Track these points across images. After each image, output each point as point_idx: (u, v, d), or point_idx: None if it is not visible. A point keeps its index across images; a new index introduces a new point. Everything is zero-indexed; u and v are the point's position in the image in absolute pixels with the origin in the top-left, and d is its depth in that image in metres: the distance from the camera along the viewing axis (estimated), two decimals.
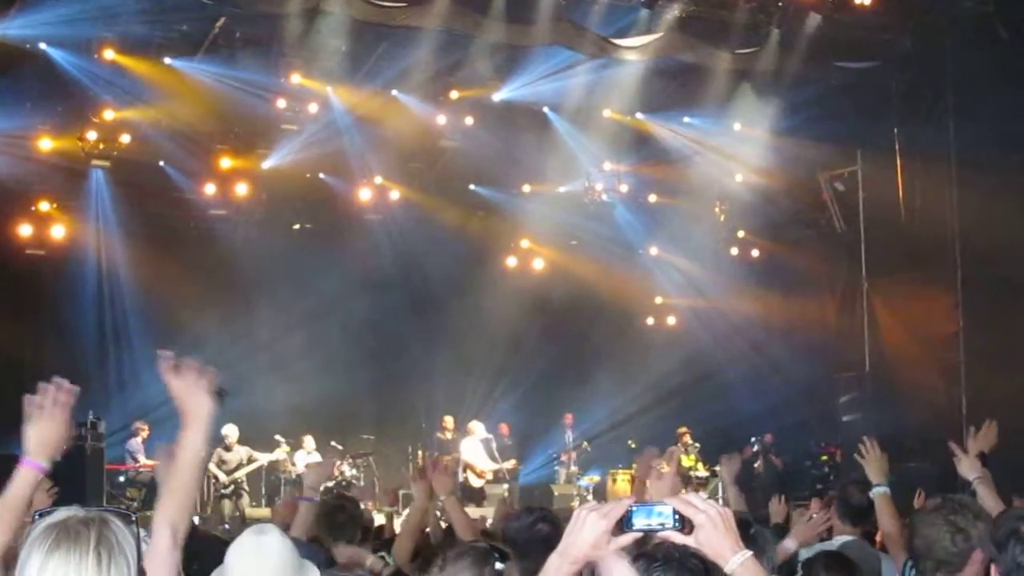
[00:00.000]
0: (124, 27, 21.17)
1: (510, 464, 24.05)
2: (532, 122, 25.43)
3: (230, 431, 22.20)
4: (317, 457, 23.06)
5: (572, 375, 27.90)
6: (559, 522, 5.98)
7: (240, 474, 22.48)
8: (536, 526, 6.08)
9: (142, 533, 3.80)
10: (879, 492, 7.82)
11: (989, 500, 7.40)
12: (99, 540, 3.56)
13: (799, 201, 27.86)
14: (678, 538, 3.22)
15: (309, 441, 23.30)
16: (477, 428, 23.95)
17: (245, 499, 22.71)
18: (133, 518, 3.74)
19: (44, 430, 4.77)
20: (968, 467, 7.75)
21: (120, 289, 24.13)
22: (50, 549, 3.54)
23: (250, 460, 22.70)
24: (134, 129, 22.99)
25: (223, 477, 22.26)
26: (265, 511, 21.55)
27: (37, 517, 3.67)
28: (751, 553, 3.24)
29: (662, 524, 3.23)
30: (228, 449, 22.30)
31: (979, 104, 22.99)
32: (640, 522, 3.24)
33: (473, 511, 20.80)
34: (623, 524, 3.25)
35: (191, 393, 4.72)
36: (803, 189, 27.66)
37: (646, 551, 3.27)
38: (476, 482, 23.58)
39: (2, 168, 22.19)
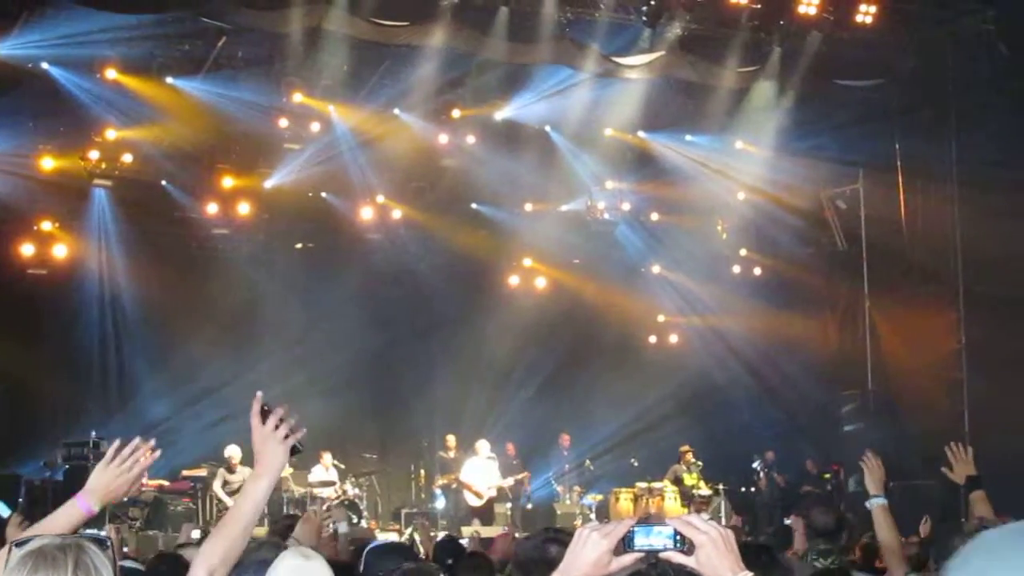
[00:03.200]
0: (126, 47, 21.26)
1: (509, 482, 23.96)
2: (534, 141, 25.47)
3: (233, 452, 22.15)
4: (335, 473, 23.05)
5: (574, 393, 27.84)
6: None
7: (232, 500, 22.42)
8: (545, 547, 6.08)
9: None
10: (877, 503, 7.76)
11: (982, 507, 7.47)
12: (76, 564, 3.58)
13: (801, 219, 27.84)
14: (679, 558, 3.22)
15: (327, 457, 23.24)
16: (482, 447, 23.91)
17: None
18: (108, 544, 3.75)
19: (114, 478, 4.74)
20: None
21: (122, 308, 24.13)
22: (28, 574, 3.55)
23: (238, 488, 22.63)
24: (136, 148, 23.07)
25: (228, 500, 22.22)
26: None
27: (14, 547, 3.68)
28: (751, 574, 3.24)
29: (663, 544, 3.23)
30: (231, 471, 22.23)
31: (980, 121, 23.03)
32: (641, 542, 3.24)
33: (477, 530, 20.86)
34: (625, 544, 3.25)
35: (270, 442, 4.60)
36: (805, 207, 27.64)
37: (642, 568, 3.27)
38: (474, 501, 23.54)
39: (4, 187, 22.23)
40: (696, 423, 26.88)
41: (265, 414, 4.60)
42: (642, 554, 3.26)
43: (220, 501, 22.08)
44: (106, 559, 3.67)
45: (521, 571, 5.92)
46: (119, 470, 4.75)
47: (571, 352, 28.33)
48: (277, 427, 4.59)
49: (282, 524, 10.23)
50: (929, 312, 25.04)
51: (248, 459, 22.30)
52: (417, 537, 19.56)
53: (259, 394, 4.63)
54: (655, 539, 3.24)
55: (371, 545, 7.96)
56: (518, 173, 26.12)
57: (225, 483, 22.13)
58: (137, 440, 4.82)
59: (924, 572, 8.14)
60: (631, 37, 22.52)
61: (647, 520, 3.32)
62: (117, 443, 4.79)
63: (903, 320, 25.80)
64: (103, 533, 3.94)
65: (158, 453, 4.91)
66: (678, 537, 3.22)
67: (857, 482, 25.14)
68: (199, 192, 24.47)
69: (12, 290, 22.84)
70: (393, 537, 20.44)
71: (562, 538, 5.89)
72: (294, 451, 4.63)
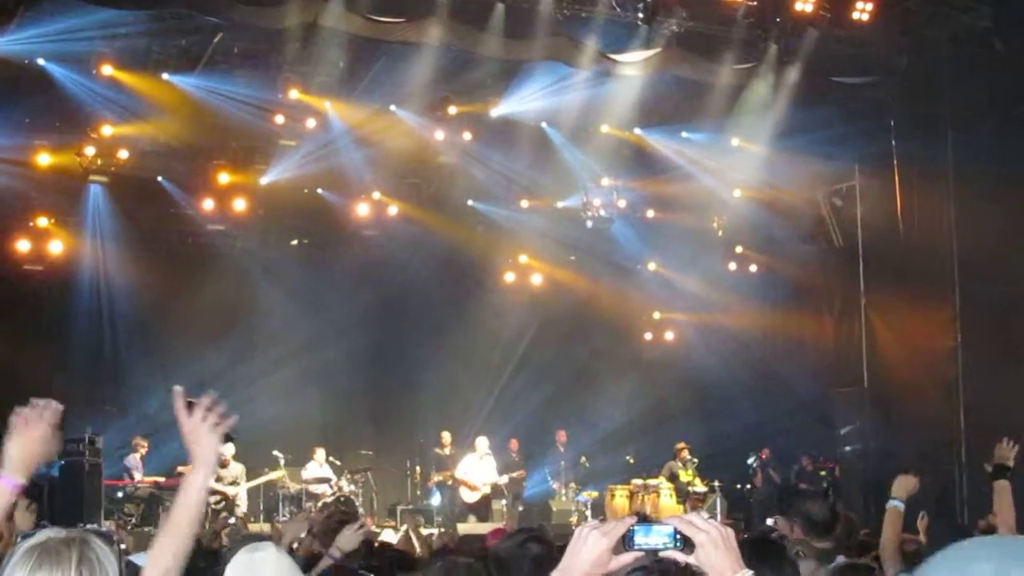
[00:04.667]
0: (122, 43, 21.21)
1: (504, 479, 23.97)
2: (530, 138, 25.43)
3: (226, 447, 22.12)
4: (328, 470, 23.06)
5: (570, 390, 27.89)
6: (551, 541, 5.96)
7: (232, 490, 22.35)
8: (525, 545, 6.05)
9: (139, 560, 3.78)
10: (893, 505, 8.14)
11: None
12: (80, 559, 3.57)
13: (797, 216, 27.83)
14: (679, 558, 3.22)
15: (320, 453, 23.26)
16: (480, 444, 23.94)
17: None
18: (113, 538, 3.76)
19: (25, 446, 4.68)
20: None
21: (118, 305, 24.14)
22: (32, 569, 3.55)
23: (234, 483, 22.54)
24: (132, 144, 23.04)
25: (231, 491, 22.20)
26: (266, 526, 21.49)
27: (20, 539, 3.68)
28: (752, 573, 3.24)
29: (663, 543, 3.23)
30: (223, 465, 22.22)
31: (977, 119, 23.02)
32: (641, 541, 3.24)
33: (473, 526, 20.91)
34: (624, 543, 3.25)
35: (200, 434, 4.60)
36: (801, 204, 27.63)
37: (643, 565, 3.27)
38: (469, 498, 23.55)
39: (0, 184, 22.20)
40: (691, 420, 26.93)
41: (190, 407, 4.60)
42: (642, 553, 3.26)
43: (215, 493, 22.02)
44: (110, 553, 3.66)
45: (501, 570, 5.90)
46: (31, 437, 4.70)
47: (567, 349, 28.37)
48: (204, 418, 4.59)
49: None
50: (925, 310, 25.02)
51: (241, 456, 22.36)
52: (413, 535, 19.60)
53: (178, 389, 4.62)
54: (655, 538, 3.24)
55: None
56: (514, 170, 26.15)
57: (218, 479, 22.08)
58: (38, 403, 4.77)
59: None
60: (628, 34, 22.48)
61: (647, 519, 3.32)
62: (17, 412, 4.72)
63: (899, 318, 25.79)
64: (106, 528, 3.94)
65: (62, 408, 4.81)
66: (678, 536, 3.22)
67: (853, 483, 25.24)
68: (195, 188, 24.48)
69: (7, 286, 22.88)
70: (390, 534, 20.48)
71: (542, 536, 5.89)
72: (227, 439, 4.64)
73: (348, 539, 8.57)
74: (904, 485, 8.16)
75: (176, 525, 4.50)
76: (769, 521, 16.64)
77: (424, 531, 19.44)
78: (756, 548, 4.55)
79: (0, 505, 4.59)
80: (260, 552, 5.59)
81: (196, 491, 4.60)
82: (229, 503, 22.09)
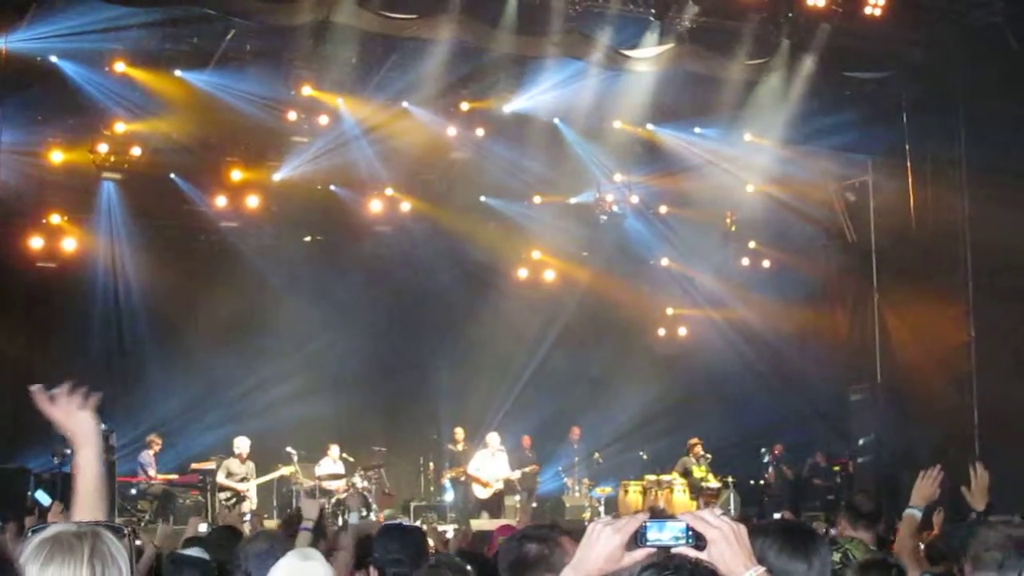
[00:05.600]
0: (135, 40, 21.27)
1: (516, 475, 23.95)
2: (543, 133, 25.42)
3: (242, 444, 22.18)
4: (341, 466, 23.07)
5: (583, 386, 27.89)
6: (551, 539, 5.94)
7: (243, 487, 22.36)
8: (524, 546, 6.03)
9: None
10: (910, 512, 8.04)
11: None
12: (93, 552, 3.57)
13: (810, 211, 27.81)
14: (692, 554, 3.21)
15: (334, 450, 23.24)
16: (491, 440, 23.91)
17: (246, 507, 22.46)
18: (125, 532, 3.75)
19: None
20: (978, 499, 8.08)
21: (131, 302, 24.15)
22: (45, 562, 3.55)
23: (244, 479, 22.55)
24: (145, 141, 23.07)
25: (237, 486, 22.21)
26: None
27: (31, 534, 3.68)
28: (764, 569, 3.23)
29: (676, 539, 3.22)
30: (242, 461, 22.26)
31: (990, 113, 22.99)
32: (654, 537, 3.24)
33: (486, 523, 20.88)
34: (637, 539, 3.25)
35: (71, 416, 4.71)
36: (814, 199, 27.60)
37: (657, 561, 3.26)
38: (482, 494, 23.55)
39: (13, 181, 22.26)
40: (705, 416, 26.88)
41: (52, 399, 4.72)
42: (654, 549, 3.26)
43: (225, 489, 22.04)
44: (122, 547, 3.67)
45: (507, 569, 5.89)
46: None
47: (580, 345, 28.36)
48: (70, 400, 4.71)
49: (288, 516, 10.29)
50: (938, 305, 25.00)
51: (255, 452, 22.38)
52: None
53: (35, 387, 4.77)
54: (667, 534, 3.24)
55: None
56: (527, 166, 26.13)
57: (229, 474, 22.11)
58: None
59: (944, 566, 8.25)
60: (640, 30, 22.48)
61: (660, 515, 3.32)
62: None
63: (912, 312, 25.77)
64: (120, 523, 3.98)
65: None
66: (690, 532, 3.22)
67: (867, 478, 25.21)
68: (208, 185, 24.49)
69: (21, 283, 22.90)
70: None
71: (541, 535, 5.88)
72: (99, 411, 4.74)
73: (309, 507, 8.65)
74: (922, 492, 8.09)
75: (84, 503, 4.60)
76: (777, 516, 16.60)
77: (439, 527, 19.44)
78: (789, 536, 4.53)
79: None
80: (311, 561, 5.61)
81: (92, 466, 4.69)
82: (240, 499, 22.08)
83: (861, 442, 25.95)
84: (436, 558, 6.21)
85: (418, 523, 21.33)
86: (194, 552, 7.61)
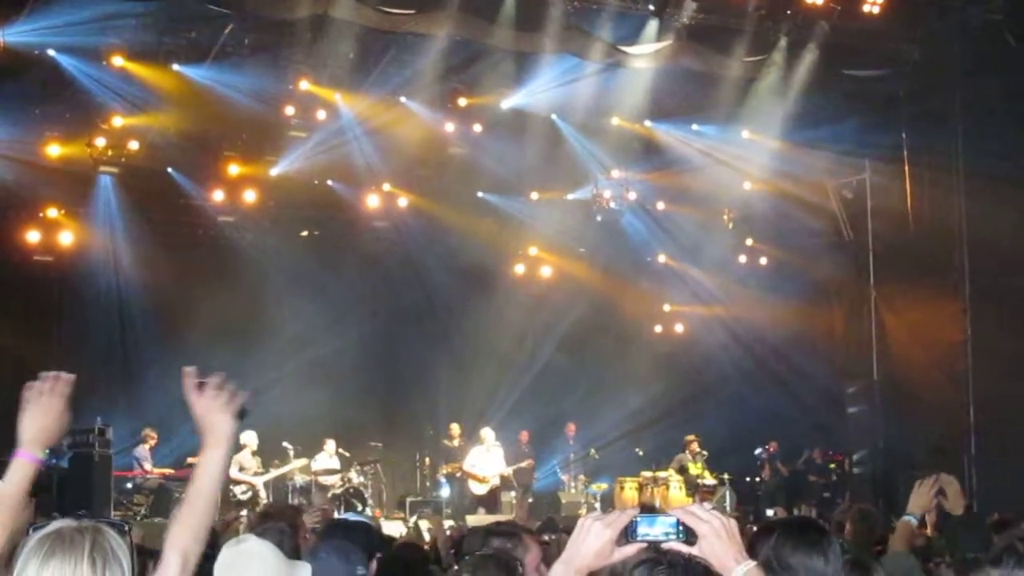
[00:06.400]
0: (132, 34, 21.26)
1: (510, 471, 23.94)
2: (540, 129, 25.42)
3: (249, 439, 22.20)
4: (337, 461, 23.08)
5: (580, 383, 27.87)
6: (515, 535, 5.94)
7: (257, 480, 22.39)
8: (488, 541, 6.03)
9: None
10: (905, 520, 8.04)
11: None
12: (93, 547, 3.57)
13: (807, 209, 27.77)
14: (683, 549, 3.21)
15: (330, 445, 23.25)
16: (486, 436, 23.91)
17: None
18: (126, 528, 3.74)
19: (40, 420, 4.66)
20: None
21: (128, 296, 24.12)
22: (45, 557, 3.54)
23: (257, 473, 22.58)
24: (142, 135, 23.06)
25: (252, 480, 22.23)
26: None
27: (31, 530, 3.67)
28: (755, 563, 3.23)
29: (666, 534, 3.22)
30: (251, 455, 22.29)
31: (987, 112, 22.99)
32: (644, 532, 3.24)
33: (482, 518, 20.89)
34: (627, 534, 3.25)
35: (213, 413, 4.59)
36: (811, 197, 27.56)
37: (650, 555, 3.26)
38: (478, 489, 23.55)
39: (11, 174, 22.23)
40: (701, 413, 26.89)
41: (201, 387, 4.61)
42: (645, 544, 3.25)
43: (239, 483, 21.97)
44: (123, 543, 3.66)
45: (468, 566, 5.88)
46: (45, 410, 4.70)
47: (576, 341, 28.34)
48: (216, 396, 4.59)
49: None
50: (935, 303, 25.01)
51: (263, 447, 22.42)
52: (423, 526, 19.60)
53: (188, 369, 4.64)
54: (658, 529, 3.24)
55: None
56: (524, 162, 26.11)
57: (242, 468, 22.09)
58: (49, 376, 4.78)
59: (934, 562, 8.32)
60: (638, 26, 22.51)
61: (650, 510, 3.32)
62: (29, 387, 4.73)
63: (909, 311, 25.78)
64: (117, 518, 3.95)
65: (73, 377, 4.85)
66: (681, 527, 3.22)
67: (863, 477, 25.26)
68: (205, 179, 24.48)
69: (19, 277, 22.88)
70: (398, 525, 20.50)
71: (504, 530, 5.87)
72: (241, 415, 4.62)
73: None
74: (919, 501, 8.08)
75: (195, 507, 4.48)
76: (769, 512, 16.64)
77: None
78: (802, 533, 4.54)
79: (20, 480, 4.58)
80: (244, 544, 5.60)
81: (216, 469, 4.59)
82: (255, 493, 22.07)
83: (856, 440, 25.96)
84: (484, 551, 6.16)
85: (414, 518, 21.40)
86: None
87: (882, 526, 10.62)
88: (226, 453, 4.62)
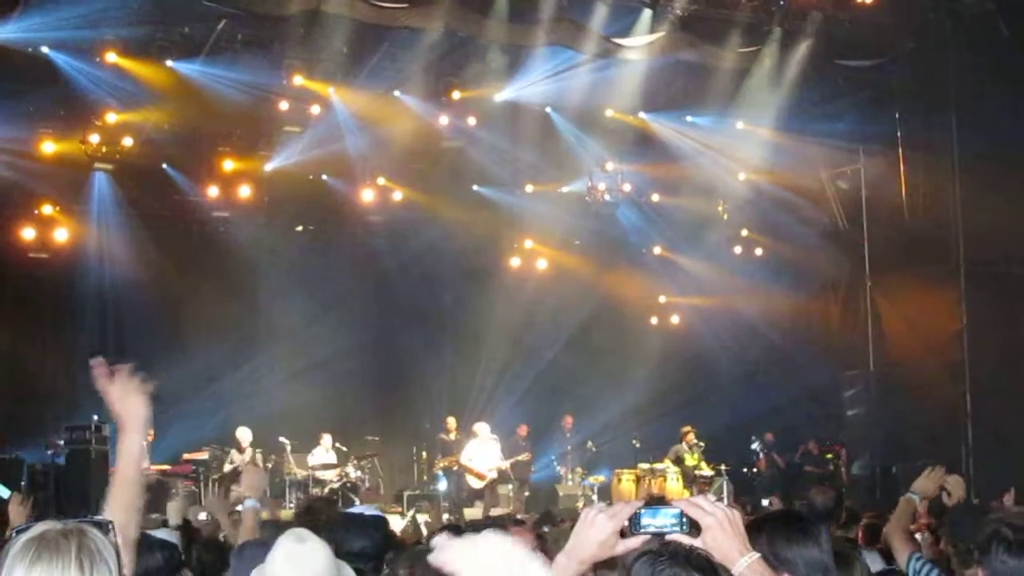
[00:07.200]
0: (126, 30, 21.18)
1: (506, 465, 23.91)
2: (535, 122, 25.41)
3: (242, 434, 22.20)
4: (334, 456, 23.07)
5: (576, 375, 27.86)
6: (503, 528, 5.95)
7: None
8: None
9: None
10: (909, 496, 7.98)
11: None
12: (80, 549, 3.56)
13: (802, 199, 27.78)
14: (686, 540, 3.21)
15: (327, 439, 23.25)
16: (481, 430, 23.88)
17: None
18: (110, 527, 3.74)
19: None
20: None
21: (123, 291, 24.07)
22: (32, 561, 3.52)
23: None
24: (136, 132, 23.03)
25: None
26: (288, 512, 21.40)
27: (15, 534, 3.66)
28: (758, 555, 3.24)
29: (670, 526, 3.23)
30: (240, 451, 22.27)
31: (981, 101, 23.01)
32: (648, 523, 3.24)
33: (479, 511, 20.88)
34: (631, 526, 3.25)
35: (126, 397, 4.75)
36: (806, 187, 27.59)
37: (652, 548, 3.26)
38: (476, 483, 23.54)
39: (5, 171, 22.19)
40: (697, 404, 26.87)
41: (112, 375, 4.76)
42: (648, 536, 3.25)
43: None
44: (108, 542, 3.66)
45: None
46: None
47: (572, 333, 28.30)
48: (128, 382, 4.76)
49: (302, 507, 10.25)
50: (931, 292, 25.05)
51: (257, 440, 22.41)
52: (420, 519, 19.61)
53: (96, 360, 4.81)
54: (661, 520, 3.24)
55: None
56: (519, 154, 26.12)
57: (231, 463, 22.10)
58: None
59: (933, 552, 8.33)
60: (632, 18, 22.50)
61: (659, 501, 3.32)
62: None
63: (905, 300, 25.81)
64: (104, 517, 3.93)
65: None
66: (684, 519, 3.22)
67: (860, 467, 25.27)
68: (200, 175, 24.44)
69: (13, 274, 22.88)
70: (396, 519, 20.47)
71: (494, 525, 5.88)
72: (153, 399, 4.75)
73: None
74: (925, 486, 8.07)
75: (122, 483, 4.67)
76: (765, 503, 16.64)
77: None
78: (792, 525, 4.54)
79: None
80: (308, 543, 5.59)
81: (135, 450, 4.77)
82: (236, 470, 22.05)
83: (853, 430, 26.00)
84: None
85: (411, 511, 21.39)
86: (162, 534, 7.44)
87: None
88: (141, 435, 4.79)
